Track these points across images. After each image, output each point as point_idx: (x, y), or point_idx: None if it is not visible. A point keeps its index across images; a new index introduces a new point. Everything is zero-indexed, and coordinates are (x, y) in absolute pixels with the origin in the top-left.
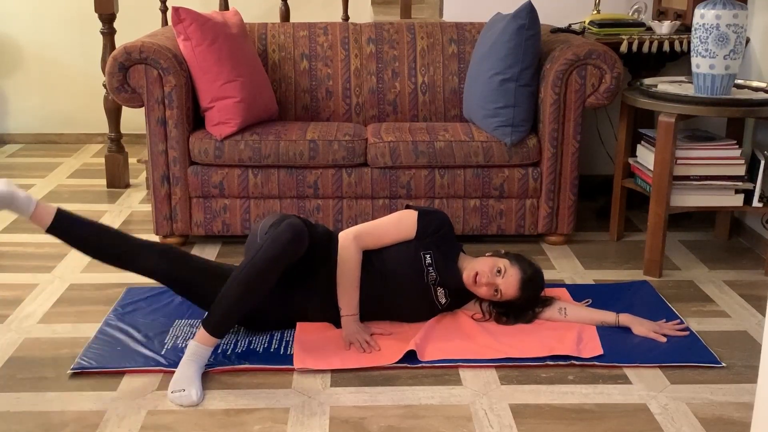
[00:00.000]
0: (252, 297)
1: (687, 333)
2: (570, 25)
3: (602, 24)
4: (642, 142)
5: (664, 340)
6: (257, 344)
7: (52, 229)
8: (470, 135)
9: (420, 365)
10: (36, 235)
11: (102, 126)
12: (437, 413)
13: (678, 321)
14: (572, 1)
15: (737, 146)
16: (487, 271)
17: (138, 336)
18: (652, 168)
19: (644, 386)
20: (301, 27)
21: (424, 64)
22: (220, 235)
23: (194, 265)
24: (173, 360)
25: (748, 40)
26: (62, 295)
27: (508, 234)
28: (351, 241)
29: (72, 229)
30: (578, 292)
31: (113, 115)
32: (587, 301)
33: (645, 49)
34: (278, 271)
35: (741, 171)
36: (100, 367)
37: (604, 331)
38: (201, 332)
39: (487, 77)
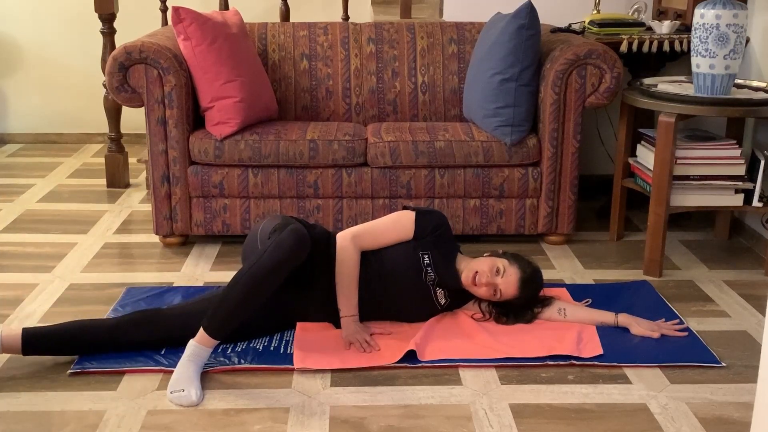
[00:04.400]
0: (253, 301)
1: (686, 333)
2: (570, 25)
3: (602, 24)
4: (642, 141)
5: (657, 335)
6: (257, 344)
7: (26, 351)
8: (470, 135)
9: (420, 365)
10: (36, 235)
11: (102, 126)
12: (437, 413)
13: (677, 321)
14: (572, 1)
15: (737, 146)
16: (486, 271)
17: None
18: (652, 168)
19: (644, 386)
20: (301, 27)
21: (424, 64)
22: (220, 234)
23: (169, 318)
24: (173, 360)
25: (748, 40)
26: (62, 295)
27: (508, 234)
28: (349, 241)
29: (45, 343)
30: (578, 292)
31: (113, 114)
32: (587, 301)
33: (645, 48)
34: (281, 276)
35: (741, 171)
36: (100, 367)
37: (603, 330)
38: (201, 333)
39: (487, 77)
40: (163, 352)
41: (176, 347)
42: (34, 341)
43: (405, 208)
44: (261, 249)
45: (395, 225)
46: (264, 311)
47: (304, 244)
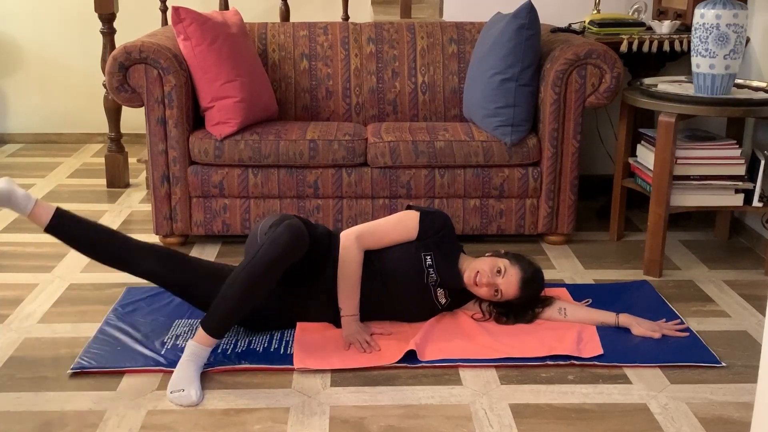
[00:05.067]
0: (251, 298)
1: (687, 334)
2: (570, 25)
3: (602, 23)
4: (642, 141)
5: (658, 336)
6: (257, 344)
7: (50, 228)
8: (470, 135)
9: (420, 365)
10: (36, 235)
11: (102, 126)
12: (437, 413)
13: (678, 321)
14: (572, 1)
15: (737, 146)
16: (488, 271)
17: (138, 336)
18: (652, 168)
19: (644, 386)
20: (301, 27)
21: (424, 64)
22: (220, 234)
23: (191, 268)
24: (173, 360)
25: (748, 40)
26: (62, 295)
27: (508, 234)
28: (353, 241)
29: (70, 229)
30: (578, 292)
31: (113, 114)
32: (587, 301)
33: (645, 48)
34: (278, 272)
35: (741, 171)
36: (100, 367)
37: (604, 330)
38: (200, 333)
39: (487, 77)
40: (163, 352)
41: (187, 300)
42: (63, 221)
43: (409, 207)
44: (257, 245)
45: (399, 225)
46: (266, 309)
47: (300, 239)
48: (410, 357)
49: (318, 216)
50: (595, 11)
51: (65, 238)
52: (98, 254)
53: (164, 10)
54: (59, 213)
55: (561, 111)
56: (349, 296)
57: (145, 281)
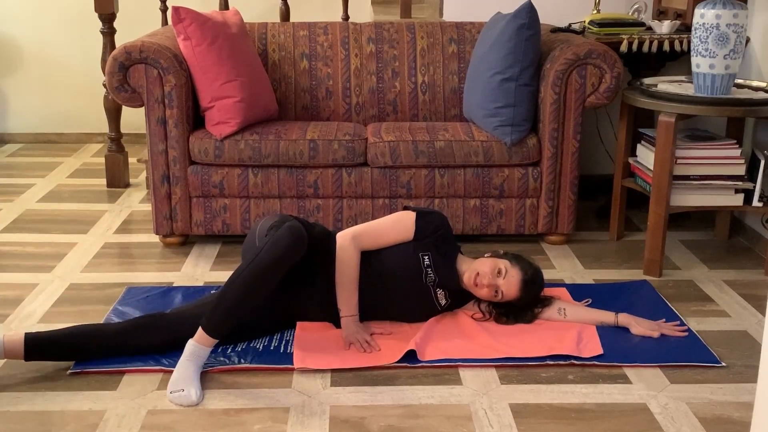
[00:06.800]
0: (251, 299)
1: (686, 333)
2: (570, 25)
3: (602, 23)
4: (642, 141)
5: (657, 335)
6: (257, 343)
7: (29, 354)
8: (470, 135)
9: (420, 365)
10: (36, 235)
11: (102, 126)
12: (437, 413)
13: (678, 322)
14: (572, 1)
15: (737, 146)
16: (488, 273)
17: None
18: (652, 168)
19: (644, 386)
20: (301, 26)
21: (424, 64)
22: (220, 234)
23: (174, 322)
24: (173, 360)
25: (748, 40)
26: (62, 295)
27: (508, 234)
28: (349, 241)
29: (49, 345)
30: (578, 292)
31: (113, 114)
32: (587, 301)
33: (645, 48)
34: (278, 274)
35: (741, 171)
36: (100, 367)
37: (603, 330)
38: (200, 333)
39: (487, 77)
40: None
41: (177, 347)
42: (38, 347)
43: (406, 208)
44: (258, 246)
45: (396, 225)
46: (264, 311)
47: (300, 241)
48: (410, 357)
49: (318, 216)
50: (595, 11)
51: (50, 356)
52: (89, 354)
53: (164, 10)
54: (28, 337)
55: (561, 111)
56: (347, 296)
57: (144, 281)
